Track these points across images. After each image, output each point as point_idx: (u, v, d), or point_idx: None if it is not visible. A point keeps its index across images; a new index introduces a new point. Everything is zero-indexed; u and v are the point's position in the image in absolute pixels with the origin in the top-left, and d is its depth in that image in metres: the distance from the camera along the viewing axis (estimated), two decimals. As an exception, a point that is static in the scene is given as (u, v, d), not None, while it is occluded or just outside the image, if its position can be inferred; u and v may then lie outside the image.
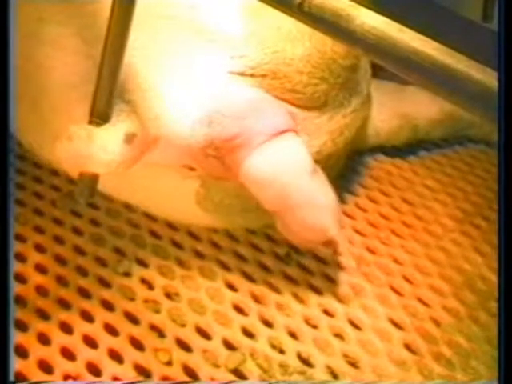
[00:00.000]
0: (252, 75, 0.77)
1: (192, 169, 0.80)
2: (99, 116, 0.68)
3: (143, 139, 0.72)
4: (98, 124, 0.69)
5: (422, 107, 1.05)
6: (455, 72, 0.45)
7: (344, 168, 0.99)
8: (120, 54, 0.63)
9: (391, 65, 0.48)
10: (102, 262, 0.85)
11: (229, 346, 0.77)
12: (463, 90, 0.45)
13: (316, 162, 0.81)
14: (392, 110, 1.04)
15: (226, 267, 0.87)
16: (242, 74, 0.77)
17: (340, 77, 0.84)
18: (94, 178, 0.73)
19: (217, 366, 0.75)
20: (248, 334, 0.79)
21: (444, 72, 0.45)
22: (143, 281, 0.84)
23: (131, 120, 0.71)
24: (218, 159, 0.76)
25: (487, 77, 0.44)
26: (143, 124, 0.72)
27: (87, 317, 0.78)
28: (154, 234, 0.90)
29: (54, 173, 0.97)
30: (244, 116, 0.75)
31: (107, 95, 0.66)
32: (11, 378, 0.70)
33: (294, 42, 0.79)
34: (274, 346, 0.77)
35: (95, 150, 0.69)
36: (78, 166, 0.71)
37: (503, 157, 0.47)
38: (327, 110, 0.84)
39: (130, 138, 0.69)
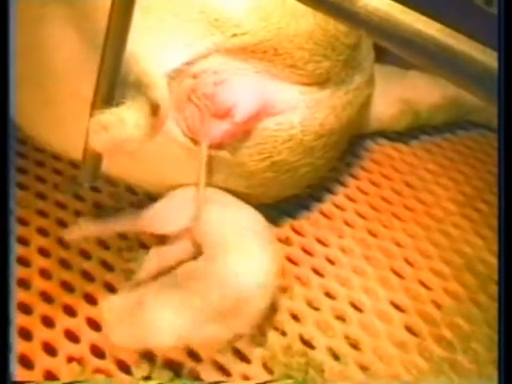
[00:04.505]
0: (253, 51, 0.77)
1: (196, 142, 0.79)
2: (105, 99, 0.67)
3: (165, 109, 0.71)
4: (117, 105, 0.68)
5: (423, 92, 1.04)
6: (458, 53, 0.45)
7: (345, 151, 0.99)
8: (123, 35, 0.63)
9: (394, 46, 0.48)
10: (105, 246, 0.86)
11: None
12: (465, 71, 0.45)
13: (319, 135, 0.81)
14: (393, 95, 1.03)
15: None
16: (243, 51, 0.77)
17: (342, 54, 0.83)
18: (98, 161, 0.73)
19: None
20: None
21: (447, 53, 0.45)
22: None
23: (148, 95, 0.70)
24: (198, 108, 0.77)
25: (489, 58, 0.44)
26: (159, 96, 0.71)
27: (90, 300, 0.79)
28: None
29: (56, 157, 0.97)
30: (225, 81, 0.77)
31: (111, 78, 0.65)
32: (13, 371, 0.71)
33: (298, 18, 0.78)
34: (276, 329, 0.78)
35: (131, 130, 0.68)
36: (117, 151, 0.70)
37: (503, 140, 0.47)
38: (329, 86, 0.84)
39: (155, 110, 0.68)
